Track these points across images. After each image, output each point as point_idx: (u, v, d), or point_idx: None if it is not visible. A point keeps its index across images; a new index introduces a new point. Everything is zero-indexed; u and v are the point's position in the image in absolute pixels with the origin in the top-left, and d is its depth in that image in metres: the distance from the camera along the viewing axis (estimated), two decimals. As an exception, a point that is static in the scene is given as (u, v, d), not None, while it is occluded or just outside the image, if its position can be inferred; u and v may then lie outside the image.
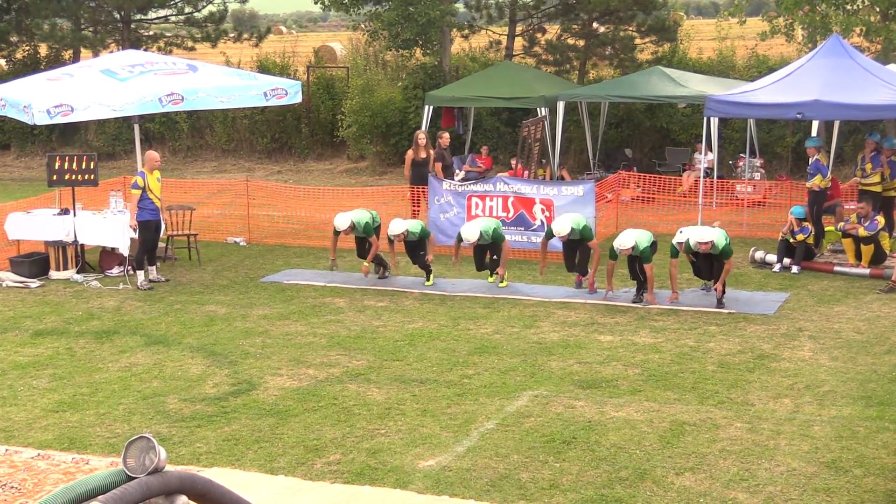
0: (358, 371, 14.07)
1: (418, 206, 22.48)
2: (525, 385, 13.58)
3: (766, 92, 20.27)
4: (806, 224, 19.74)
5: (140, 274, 18.90)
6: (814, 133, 23.70)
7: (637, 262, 17.30)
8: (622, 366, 14.22)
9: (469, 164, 27.97)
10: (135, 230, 18.85)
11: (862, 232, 19.17)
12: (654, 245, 17.49)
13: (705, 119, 21.00)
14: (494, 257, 18.44)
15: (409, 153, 23.36)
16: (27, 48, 37.05)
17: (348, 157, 33.05)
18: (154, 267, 19.27)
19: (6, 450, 11.83)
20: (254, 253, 21.51)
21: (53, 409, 12.99)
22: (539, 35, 33.63)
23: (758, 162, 26.95)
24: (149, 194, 18.76)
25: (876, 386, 13.36)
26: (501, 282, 18.33)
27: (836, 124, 25.30)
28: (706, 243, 16.67)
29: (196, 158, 33.84)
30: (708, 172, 24.05)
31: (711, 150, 23.35)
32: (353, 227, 18.49)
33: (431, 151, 23.46)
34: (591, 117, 28.91)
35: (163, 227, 19.57)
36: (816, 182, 20.56)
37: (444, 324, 16.22)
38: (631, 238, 17.08)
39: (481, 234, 18.07)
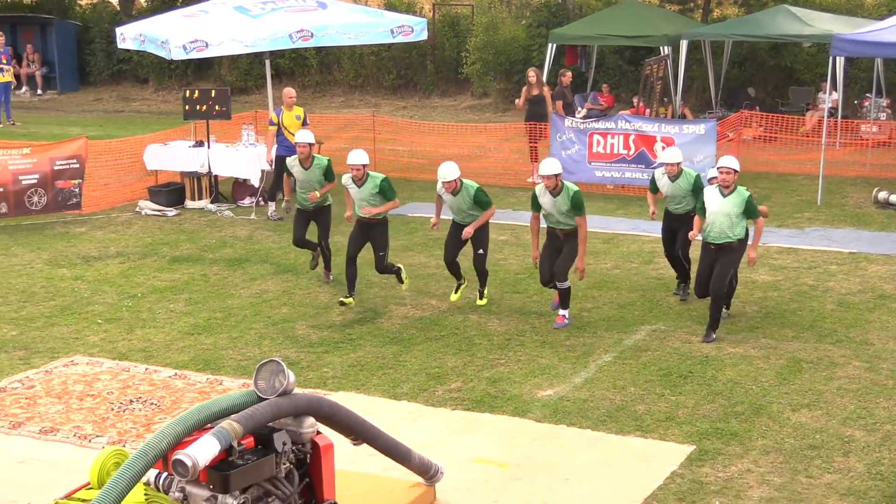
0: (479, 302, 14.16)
1: (536, 143, 22.32)
2: (643, 319, 13.56)
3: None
4: None
5: (271, 205, 19.18)
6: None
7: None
8: (740, 303, 14.10)
9: (591, 101, 27.73)
10: (271, 164, 19.09)
11: None
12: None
13: (831, 58, 20.56)
14: (480, 251, 14.08)
15: (523, 90, 23.22)
16: (165, -15, 37.55)
17: (472, 93, 32.99)
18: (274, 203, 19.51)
19: (146, 369, 12.15)
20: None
21: (189, 332, 13.30)
22: (664, -28, 33.19)
23: (884, 102, 26.36)
24: (283, 131, 18.95)
25: None
26: (481, 298, 14.32)
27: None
28: (672, 164, 14.00)
29: (324, 94, 34.03)
30: (832, 112, 23.54)
31: (836, 90, 22.84)
32: None
33: (545, 88, 23.26)
34: (714, 56, 28.48)
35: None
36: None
37: (564, 258, 16.23)
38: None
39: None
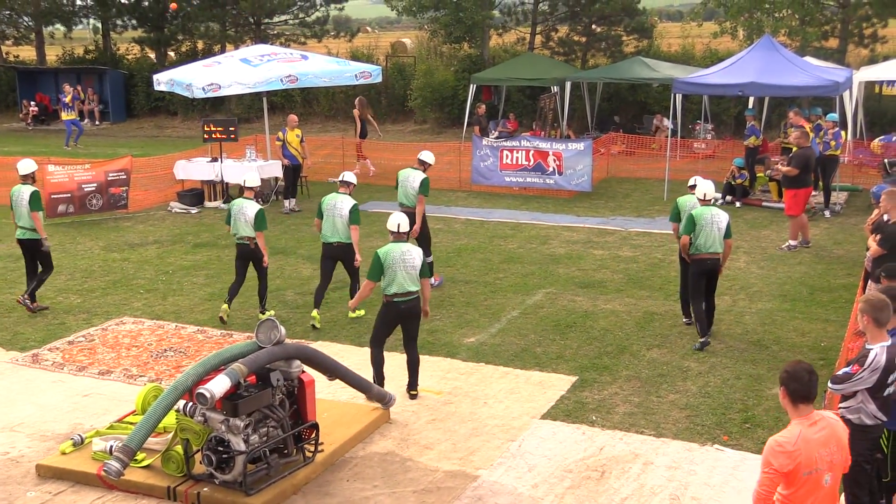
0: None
1: (364, 155, 23.06)
2: (540, 285, 13.59)
3: (717, 76, 19.93)
4: (744, 171, 19.53)
5: (288, 202, 19.32)
6: (750, 105, 23.37)
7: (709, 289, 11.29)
8: (610, 272, 14.17)
9: (502, 126, 27.66)
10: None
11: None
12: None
13: (673, 95, 20.66)
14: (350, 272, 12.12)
15: (356, 113, 23.46)
16: (188, 44, 37.10)
17: (415, 121, 32.82)
18: (293, 199, 19.40)
19: (176, 326, 12.01)
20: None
21: (207, 299, 13.15)
22: (553, 33, 33.22)
23: (710, 126, 26.62)
24: (287, 145, 19.37)
25: (790, 287, 13.27)
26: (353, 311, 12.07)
27: (767, 99, 24.93)
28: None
29: (306, 122, 33.56)
30: (673, 133, 23.79)
31: (670, 119, 22.94)
32: None
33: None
34: (589, 93, 28.55)
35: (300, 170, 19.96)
36: (751, 141, 20.27)
37: (482, 241, 16.22)
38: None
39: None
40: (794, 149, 15.86)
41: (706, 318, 11.06)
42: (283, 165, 19.48)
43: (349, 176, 12.26)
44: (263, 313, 12.09)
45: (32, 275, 12.71)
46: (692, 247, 11.05)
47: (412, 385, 9.59)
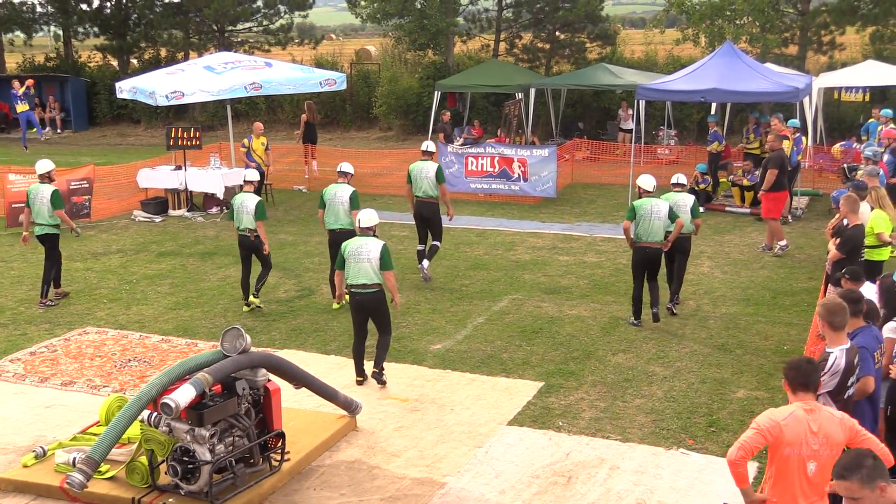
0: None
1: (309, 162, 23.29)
2: (506, 291, 13.62)
3: (679, 82, 20.08)
4: (707, 176, 19.71)
5: None
6: (712, 111, 23.59)
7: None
8: (575, 277, 14.23)
9: (467, 133, 27.73)
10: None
11: (745, 182, 19.15)
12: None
13: (636, 101, 20.80)
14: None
15: (304, 118, 23.52)
16: (151, 52, 36.80)
17: (380, 128, 32.76)
18: None
19: (140, 335, 11.90)
20: (312, 197, 21.33)
21: (172, 308, 13.05)
22: (517, 40, 33.37)
23: (673, 132, 26.82)
24: (252, 153, 19.48)
25: (753, 291, 13.40)
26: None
27: (729, 105, 25.17)
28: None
29: (271, 130, 33.35)
30: (637, 139, 23.99)
31: (641, 124, 23.13)
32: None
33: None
34: (553, 100, 28.69)
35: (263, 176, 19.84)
36: (714, 147, 20.51)
37: (448, 248, 16.20)
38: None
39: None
40: (766, 154, 16.05)
41: (652, 297, 11.81)
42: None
43: (346, 166, 13.30)
44: (249, 303, 12.74)
45: (49, 270, 13.43)
46: (634, 234, 11.76)
47: (377, 363, 10.03)
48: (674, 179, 12.47)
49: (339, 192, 12.69)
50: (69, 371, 10.67)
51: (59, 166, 22.33)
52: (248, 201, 12.58)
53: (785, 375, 5.73)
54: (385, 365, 10.11)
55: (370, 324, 10.18)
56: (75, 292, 13.89)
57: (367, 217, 10.05)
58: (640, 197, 11.92)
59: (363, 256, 9.76)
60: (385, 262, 9.76)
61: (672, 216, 11.79)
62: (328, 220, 12.72)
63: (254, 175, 13.27)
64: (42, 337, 11.88)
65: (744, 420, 8.85)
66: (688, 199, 12.27)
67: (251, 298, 12.77)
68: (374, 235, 9.99)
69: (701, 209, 18.88)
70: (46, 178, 13.36)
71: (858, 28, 28.80)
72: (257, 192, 19.16)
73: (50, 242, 13.35)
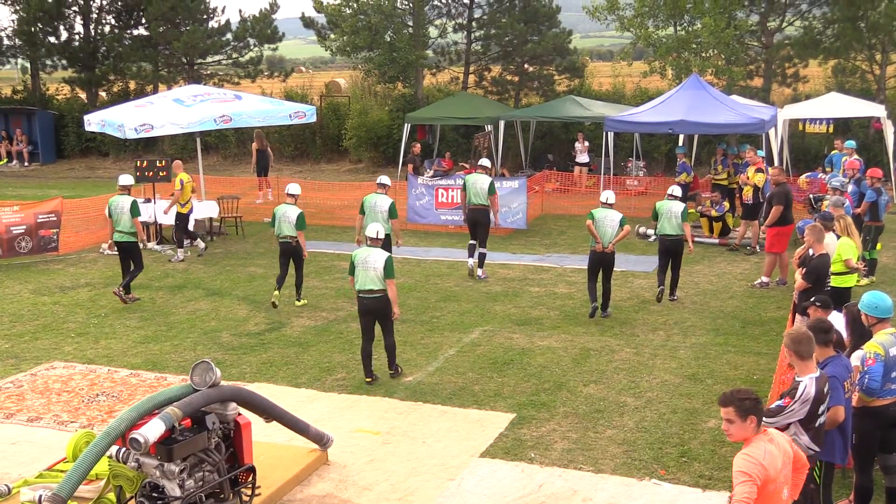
0: (357, 314, 14.00)
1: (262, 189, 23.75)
2: (477, 323, 13.61)
3: (647, 114, 20.33)
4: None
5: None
6: (680, 143, 23.87)
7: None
8: (546, 309, 14.27)
9: (437, 165, 27.87)
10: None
11: (714, 213, 19.33)
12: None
13: (605, 133, 21.01)
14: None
15: (254, 146, 23.58)
16: (120, 84, 36.70)
17: (350, 160, 32.82)
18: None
19: (108, 369, 11.78)
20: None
21: (141, 342, 12.93)
22: (486, 73, 33.63)
23: (641, 163, 27.04)
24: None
25: (723, 321, 13.48)
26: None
27: (696, 137, 25.46)
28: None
29: (240, 162, 33.43)
30: (592, 169, 24.56)
31: (609, 156, 23.33)
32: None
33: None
34: (523, 131, 28.90)
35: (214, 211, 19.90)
36: (682, 178, 20.69)
37: (418, 279, 16.23)
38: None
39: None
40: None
41: (603, 298, 13.62)
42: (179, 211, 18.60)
43: (385, 179, 15.13)
44: (299, 300, 14.42)
45: (126, 271, 15.07)
46: (592, 239, 13.55)
47: (390, 365, 11.22)
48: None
49: (380, 202, 14.52)
50: (35, 406, 10.53)
51: (26, 199, 22.33)
52: (289, 212, 14.25)
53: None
54: (357, 398, 10.05)
55: (376, 328, 11.10)
56: (42, 327, 13.74)
57: (375, 231, 11.11)
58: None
59: (370, 265, 10.81)
60: (388, 271, 10.81)
61: (623, 223, 13.51)
62: (367, 227, 12.62)
63: (295, 189, 14.71)
64: (8, 372, 11.72)
65: (714, 450, 8.88)
66: (678, 207, 14.23)
67: (296, 302, 14.39)
68: (380, 248, 11.06)
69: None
70: (126, 190, 15.10)
71: (821, 61, 29.30)
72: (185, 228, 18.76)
73: (128, 249, 14.90)
